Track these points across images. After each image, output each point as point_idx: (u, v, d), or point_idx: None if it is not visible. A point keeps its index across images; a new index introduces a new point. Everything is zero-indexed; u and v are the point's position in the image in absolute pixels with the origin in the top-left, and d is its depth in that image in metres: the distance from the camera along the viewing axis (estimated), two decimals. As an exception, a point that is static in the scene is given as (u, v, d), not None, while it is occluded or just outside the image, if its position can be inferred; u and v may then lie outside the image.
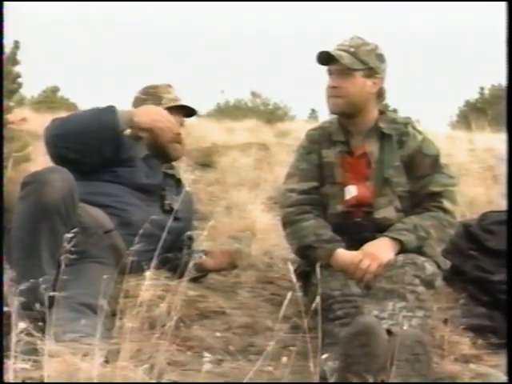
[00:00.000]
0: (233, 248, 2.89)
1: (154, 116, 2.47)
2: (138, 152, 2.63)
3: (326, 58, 2.39)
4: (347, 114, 2.44)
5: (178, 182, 2.81)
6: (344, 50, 2.38)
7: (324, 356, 1.67)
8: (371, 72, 2.39)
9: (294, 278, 1.65)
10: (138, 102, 2.75)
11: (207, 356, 1.49)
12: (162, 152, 2.68)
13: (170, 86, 2.80)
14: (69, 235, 1.71)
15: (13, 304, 1.56)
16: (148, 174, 2.62)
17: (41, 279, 1.67)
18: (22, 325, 1.44)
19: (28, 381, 1.44)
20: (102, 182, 2.49)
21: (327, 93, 2.44)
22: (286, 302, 1.51)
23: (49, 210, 2.03)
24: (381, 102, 2.51)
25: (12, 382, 1.40)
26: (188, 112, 2.79)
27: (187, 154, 2.92)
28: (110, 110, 2.40)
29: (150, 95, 2.74)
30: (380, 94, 2.46)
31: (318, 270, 1.79)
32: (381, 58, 2.43)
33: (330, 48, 2.40)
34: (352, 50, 2.38)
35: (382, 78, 2.44)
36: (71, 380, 1.41)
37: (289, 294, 1.52)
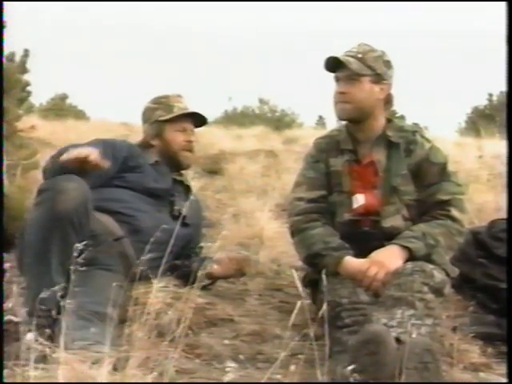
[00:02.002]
0: (241, 255, 2.88)
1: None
2: (147, 159, 2.68)
3: (333, 64, 2.40)
4: (355, 120, 2.44)
5: (187, 189, 2.83)
6: (352, 56, 2.39)
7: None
8: (379, 78, 2.40)
9: (299, 285, 1.64)
10: (149, 112, 2.80)
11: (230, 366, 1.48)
12: (173, 160, 2.73)
13: (180, 96, 2.83)
14: (79, 246, 1.72)
15: (20, 312, 1.57)
16: (157, 179, 2.65)
17: (45, 292, 1.67)
18: (30, 335, 1.45)
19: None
20: (110, 188, 2.51)
21: (335, 99, 2.44)
22: (295, 311, 1.51)
23: (62, 219, 2.04)
24: (389, 109, 2.51)
25: (10, 381, 1.41)
26: (199, 120, 2.82)
27: (195, 162, 2.92)
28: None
29: (161, 104, 2.77)
30: (388, 101, 2.46)
31: (324, 277, 1.78)
32: (388, 64, 2.44)
33: (337, 54, 2.40)
34: (360, 55, 2.38)
35: (390, 84, 2.45)
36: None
37: (298, 303, 1.52)
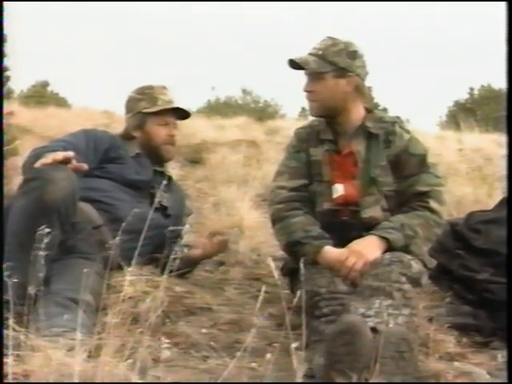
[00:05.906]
0: (218, 237, 2.87)
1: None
2: (129, 151, 2.68)
3: (296, 65, 2.40)
4: (327, 116, 2.45)
5: (169, 179, 2.82)
6: (312, 54, 2.39)
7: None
8: (343, 71, 2.38)
9: (275, 273, 1.65)
10: (132, 102, 2.78)
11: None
12: (154, 153, 2.73)
13: (165, 87, 2.80)
14: (44, 231, 1.69)
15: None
16: (138, 171, 2.65)
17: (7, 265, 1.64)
18: None
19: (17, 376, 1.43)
20: (91, 178, 2.49)
21: (305, 97, 2.45)
22: (261, 297, 1.51)
23: (50, 209, 2.03)
24: (364, 99, 2.49)
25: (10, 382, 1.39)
26: (182, 114, 2.80)
27: (176, 154, 2.91)
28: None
29: (145, 95, 2.75)
30: (359, 91, 2.44)
31: (302, 266, 1.78)
32: (352, 55, 2.39)
33: (300, 54, 2.40)
34: (320, 52, 2.38)
35: (358, 74, 2.41)
36: (53, 375, 1.40)
37: (263, 287, 1.52)
